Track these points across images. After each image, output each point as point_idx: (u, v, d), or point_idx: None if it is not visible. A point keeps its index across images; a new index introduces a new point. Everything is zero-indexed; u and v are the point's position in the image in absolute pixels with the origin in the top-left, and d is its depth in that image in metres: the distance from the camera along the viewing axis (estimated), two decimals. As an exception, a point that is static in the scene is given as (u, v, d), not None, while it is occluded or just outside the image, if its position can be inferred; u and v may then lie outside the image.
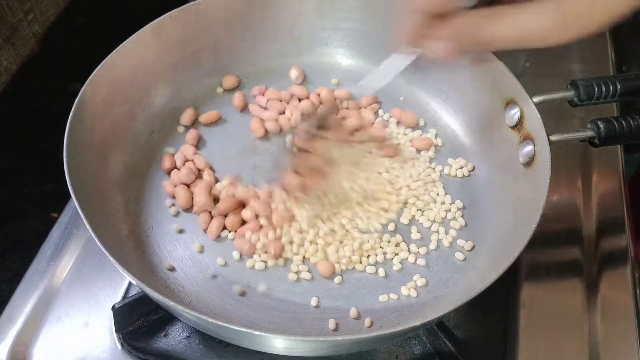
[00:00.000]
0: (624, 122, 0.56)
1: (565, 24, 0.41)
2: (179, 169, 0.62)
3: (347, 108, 0.68)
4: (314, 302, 0.54)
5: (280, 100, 0.68)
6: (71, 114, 0.55)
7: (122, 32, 0.61)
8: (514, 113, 0.59)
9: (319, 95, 0.69)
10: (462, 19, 0.44)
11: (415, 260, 0.57)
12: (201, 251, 0.58)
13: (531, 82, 0.59)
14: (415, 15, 0.46)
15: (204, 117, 0.66)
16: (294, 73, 0.70)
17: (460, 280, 0.56)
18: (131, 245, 0.56)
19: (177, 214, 0.59)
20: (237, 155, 0.64)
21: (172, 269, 0.56)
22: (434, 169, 0.64)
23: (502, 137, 0.61)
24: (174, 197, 0.60)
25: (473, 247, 0.58)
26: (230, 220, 0.58)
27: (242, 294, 0.55)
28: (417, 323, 0.46)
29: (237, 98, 0.68)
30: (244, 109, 0.68)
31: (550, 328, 0.57)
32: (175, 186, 0.61)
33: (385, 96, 0.69)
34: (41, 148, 0.77)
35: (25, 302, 0.57)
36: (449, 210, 0.61)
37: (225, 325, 0.45)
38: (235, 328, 0.45)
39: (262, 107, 0.68)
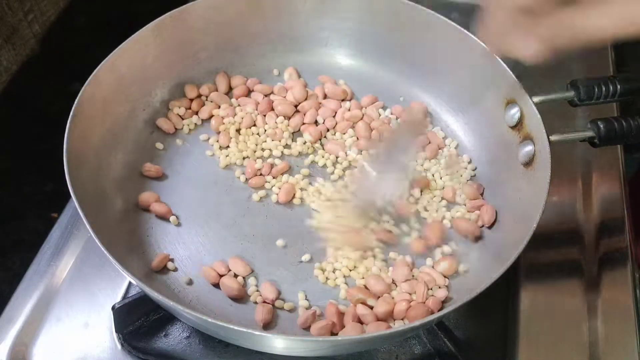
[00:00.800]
0: (624, 122, 0.56)
1: None
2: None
3: (349, 108, 0.68)
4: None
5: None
6: (71, 114, 0.55)
7: (122, 32, 0.61)
8: (514, 113, 0.59)
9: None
10: (555, 14, 0.40)
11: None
12: (201, 251, 0.58)
13: (531, 82, 0.59)
14: (502, 12, 0.43)
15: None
16: (287, 74, 0.70)
17: (460, 280, 0.56)
18: (131, 245, 0.56)
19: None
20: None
21: (172, 269, 0.56)
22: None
23: (502, 137, 0.61)
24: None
25: (473, 248, 0.58)
26: None
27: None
28: (417, 323, 0.46)
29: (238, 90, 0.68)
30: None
31: (550, 328, 0.57)
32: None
33: (386, 96, 0.69)
34: (41, 148, 0.77)
35: (25, 302, 0.57)
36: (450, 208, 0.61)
37: (225, 325, 0.45)
38: (235, 328, 0.45)
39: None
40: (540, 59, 0.42)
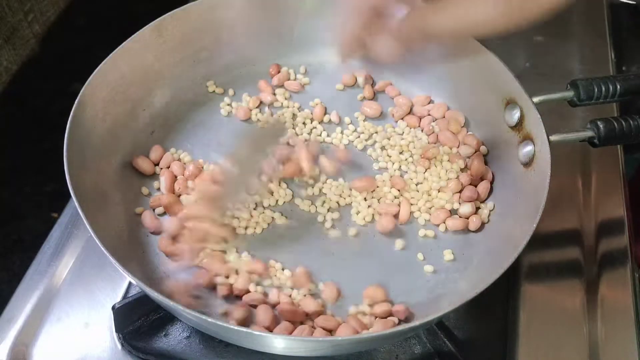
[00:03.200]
0: (623, 122, 0.56)
1: (511, 13, 0.42)
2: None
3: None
4: (314, 302, 0.54)
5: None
6: (71, 114, 0.55)
7: (122, 32, 0.61)
8: (514, 113, 0.59)
9: None
10: (406, 14, 0.44)
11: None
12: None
13: (531, 82, 0.59)
14: (358, 14, 0.46)
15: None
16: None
17: (460, 280, 0.56)
18: (131, 245, 0.56)
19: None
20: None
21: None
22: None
23: (502, 137, 0.61)
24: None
25: (473, 247, 0.58)
26: None
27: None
28: (417, 323, 0.46)
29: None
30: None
31: (550, 328, 0.57)
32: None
33: (386, 96, 0.69)
34: (41, 148, 0.77)
35: (25, 302, 0.57)
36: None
37: (225, 325, 0.45)
38: (236, 328, 0.45)
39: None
40: (396, 58, 0.45)
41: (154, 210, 0.59)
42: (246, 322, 0.52)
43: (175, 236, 0.56)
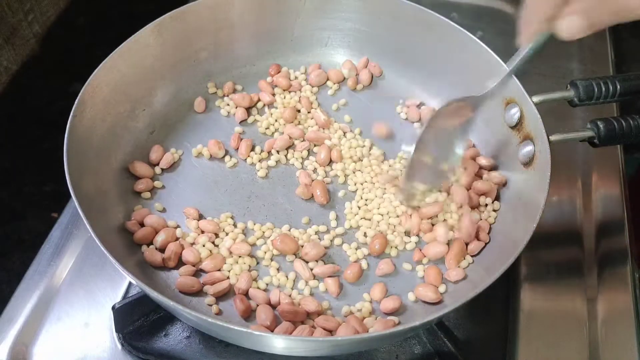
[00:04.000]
0: (623, 122, 0.56)
1: None
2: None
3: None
4: (314, 303, 0.55)
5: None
6: (71, 114, 0.55)
7: (122, 32, 0.61)
8: (514, 113, 0.59)
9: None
10: None
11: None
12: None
13: (531, 82, 0.59)
14: None
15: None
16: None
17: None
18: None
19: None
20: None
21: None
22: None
23: (502, 137, 0.61)
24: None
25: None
26: None
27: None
28: (417, 323, 0.46)
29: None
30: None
31: (550, 328, 0.57)
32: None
33: (386, 96, 0.69)
34: (41, 148, 0.77)
35: (25, 302, 0.57)
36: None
37: (225, 325, 0.45)
38: (236, 328, 0.45)
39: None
40: (579, 34, 0.45)
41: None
42: (246, 314, 0.53)
43: (162, 248, 0.56)
